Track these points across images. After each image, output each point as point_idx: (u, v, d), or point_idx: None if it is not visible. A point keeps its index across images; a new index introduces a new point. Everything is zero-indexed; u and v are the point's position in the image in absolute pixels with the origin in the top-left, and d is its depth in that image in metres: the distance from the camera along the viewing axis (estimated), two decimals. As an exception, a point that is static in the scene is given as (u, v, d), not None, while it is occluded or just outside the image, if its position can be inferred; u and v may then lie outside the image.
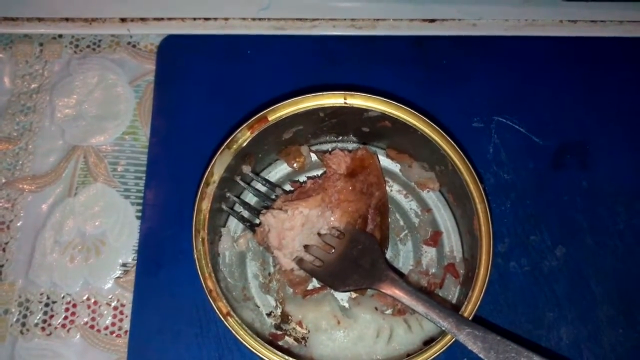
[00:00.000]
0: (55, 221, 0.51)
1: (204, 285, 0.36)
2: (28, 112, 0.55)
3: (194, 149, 0.50)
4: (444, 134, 0.41)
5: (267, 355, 0.35)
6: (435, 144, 0.41)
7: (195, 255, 0.37)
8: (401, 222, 0.48)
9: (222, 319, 0.36)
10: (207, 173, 0.40)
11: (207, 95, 0.55)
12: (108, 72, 0.56)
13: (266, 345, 0.35)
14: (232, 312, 0.36)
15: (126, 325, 0.48)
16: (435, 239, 0.47)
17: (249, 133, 0.41)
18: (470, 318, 0.37)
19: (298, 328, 0.44)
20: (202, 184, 0.39)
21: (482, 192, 0.39)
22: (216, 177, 0.40)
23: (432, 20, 0.57)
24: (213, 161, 0.40)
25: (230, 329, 0.35)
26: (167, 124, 0.54)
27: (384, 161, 0.49)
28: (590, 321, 0.48)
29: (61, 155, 0.53)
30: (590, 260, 0.49)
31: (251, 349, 0.35)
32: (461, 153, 0.40)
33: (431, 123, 0.41)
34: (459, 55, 0.56)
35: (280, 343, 0.43)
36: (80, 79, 0.56)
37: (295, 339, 0.44)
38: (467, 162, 0.40)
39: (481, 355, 0.34)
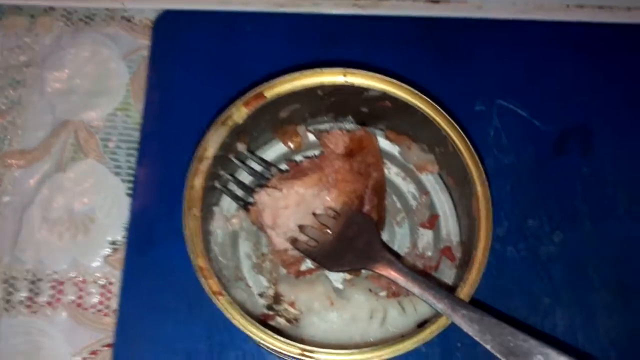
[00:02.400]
0: (43, 197, 0.49)
1: (194, 264, 0.35)
2: (17, 86, 0.53)
3: (188, 126, 0.48)
4: (445, 114, 0.40)
5: (257, 334, 0.34)
6: (436, 124, 0.40)
7: (186, 233, 0.36)
8: (398, 205, 0.48)
9: (213, 298, 0.35)
10: (200, 148, 0.38)
11: (203, 72, 0.53)
12: (101, 46, 0.55)
13: (256, 324, 0.34)
14: (223, 291, 0.35)
15: (114, 304, 0.47)
16: (432, 221, 0.46)
17: (245, 109, 0.40)
18: (467, 300, 0.36)
19: (290, 309, 0.43)
20: (194, 160, 0.38)
21: (483, 173, 0.38)
22: (210, 154, 0.39)
23: (436, 1, 0.56)
24: (206, 136, 0.39)
25: (221, 307, 0.34)
26: (161, 100, 0.52)
27: (383, 143, 0.48)
28: (586, 307, 0.47)
29: (51, 130, 0.52)
30: (589, 246, 0.49)
31: (242, 327, 0.34)
32: (462, 134, 0.39)
33: (433, 103, 0.40)
34: (463, 38, 0.55)
35: (271, 324, 0.42)
36: (72, 53, 0.54)
37: (287, 320, 0.43)
38: (468, 143, 0.39)
39: (477, 338, 0.34)
